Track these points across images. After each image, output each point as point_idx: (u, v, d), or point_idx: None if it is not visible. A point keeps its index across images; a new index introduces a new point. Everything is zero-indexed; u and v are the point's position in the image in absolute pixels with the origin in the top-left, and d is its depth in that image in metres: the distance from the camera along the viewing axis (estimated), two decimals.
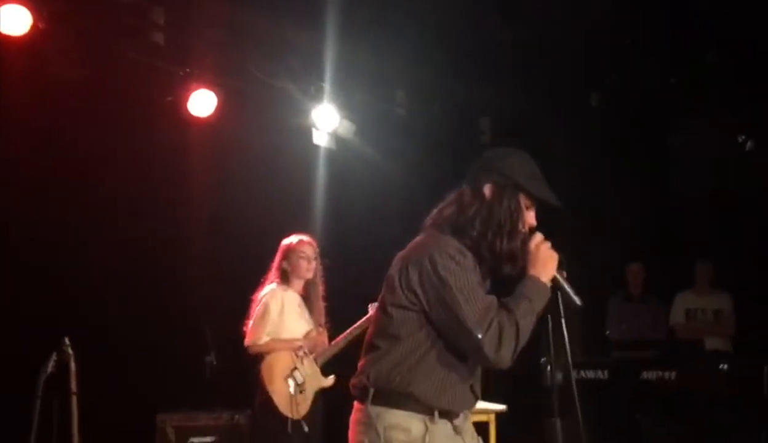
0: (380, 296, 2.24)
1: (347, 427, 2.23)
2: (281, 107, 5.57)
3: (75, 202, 4.90)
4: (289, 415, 4.20)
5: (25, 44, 4.26)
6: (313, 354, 4.41)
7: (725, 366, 5.29)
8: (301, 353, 4.35)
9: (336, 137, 5.80)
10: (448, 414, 2.18)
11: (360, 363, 2.24)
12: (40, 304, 4.60)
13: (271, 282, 4.40)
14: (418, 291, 2.12)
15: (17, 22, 4.17)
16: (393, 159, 6.18)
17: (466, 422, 2.26)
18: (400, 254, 2.23)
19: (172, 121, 5.12)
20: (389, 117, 6.10)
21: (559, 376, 5.20)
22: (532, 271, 2.16)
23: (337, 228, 5.78)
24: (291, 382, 4.26)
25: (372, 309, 4.60)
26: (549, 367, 5.30)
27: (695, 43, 5.51)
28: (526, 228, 2.22)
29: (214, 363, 4.86)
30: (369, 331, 2.27)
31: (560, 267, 2.19)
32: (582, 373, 5.45)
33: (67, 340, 3.66)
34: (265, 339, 4.30)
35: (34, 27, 4.22)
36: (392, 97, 6.10)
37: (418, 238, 2.26)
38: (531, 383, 5.13)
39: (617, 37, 5.52)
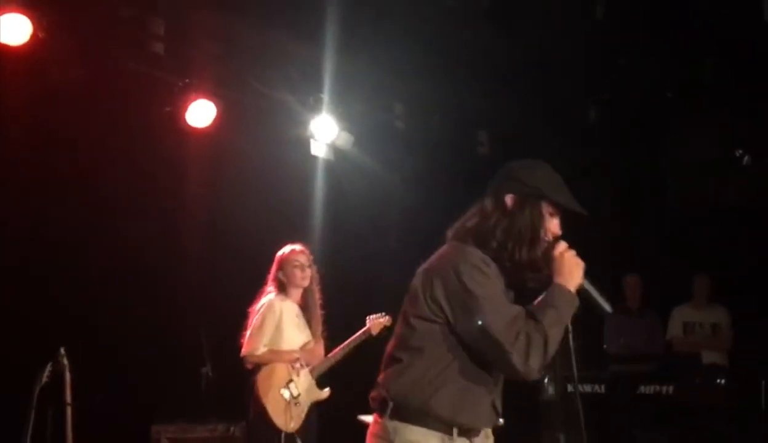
0: (402, 309, 2.22)
1: (340, 440, 2.22)
2: (280, 118, 5.58)
3: (73, 212, 4.90)
4: (283, 428, 4.18)
5: (25, 53, 4.26)
6: (310, 367, 4.40)
7: (723, 380, 5.28)
8: (297, 365, 4.33)
9: (334, 148, 5.81)
10: (467, 432, 2.14)
11: (380, 376, 2.21)
12: (36, 314, 4.59)
13: (269, 293, 4.39)
14: (443, 302, 2.09)
15: (17, 31, 4.18)
16: (391, 170, 6.20)
17: (486, 441, 2.23)
18: (424, 266, 2.21)
19: (171, 131, 5.12)
20: (388, 128, 6.12)
21: (560, 389, 5.21)
22: (558, 280, 2.13)
23: (336, 239, 5.78)
24: (286, 394, 4.25)
25: (370, 321, 4.61)
26: (546, 380, 5.29)
27: (692, 57, 5.54)
28: (550, 236, 2.20)
29: (210, 374, 4.85)
30: (390, 344, 2.23)
31: (586, 275, 2.16)
32: (579, 387, 5.42)
33: (62, 350, 3.64)
34: (262, 349, 4.29)
35: (34, 36, 4.23)
36: (391, 109, 6.12)
37: (440, 250, 2.24)
38: (528, 396, 5.12)
39: (614, 51, 5.55)
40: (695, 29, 5.15)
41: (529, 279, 2.21)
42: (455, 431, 2.11)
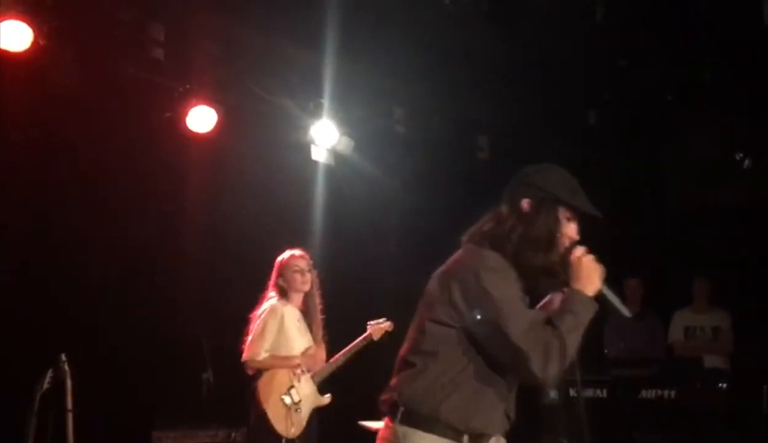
0: (416, 313, 2.19)
1: None
2: (280, 123, 5.58)
3: (74, 217, 4.91)
4: (284, 434, 4.18)
5: (26, 60, 4.28)
6: (311, 372, 4.40)
7: (724, 385, 5.27)
8: (298, 371, 4.33)
9: (335, 153, 5.81)
10: (478, 438, 2.12)
11: (393, 380, 2.18)
12: (37, 320, 4.59)
13: (270, 299, 4.39)
14: (461, 306, 2.07)
15: (18, 38, 4.19)
16: (391, 175, 6.20)
17: None
18: (440, 270, 2.19)
19: (172, 136, 5.13)
20: (388, 133, 6.12)
21: (562, 394, 5.19)
22: (576, 285, 2.10)
23: (336, 244, 5.78)
24: (287, 400, 4.24)
25: (371, 327, 4.60)
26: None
27: (692, 60, 5.54)
28: (567, 241, 2.17)
29: (211, 380, 4.84)
30: (404, 347, 2.21)
31: (605, 280, 2.14)
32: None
33: (63, 357, 3.64)
34: (263, 355, 4.29)
35: (34, 43, 4.24)
36: (391, 114, 6.12)
37: (457, 254, 2.21)
38: (529, 400, 5.10)
39: (614, 53, 5.55)
40: (695, 31, 5.15)
41: (545, 284, 2.19)
42: (466, 438, 2.09)
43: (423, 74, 5.63)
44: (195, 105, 5.08)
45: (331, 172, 5.92)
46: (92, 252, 4.97)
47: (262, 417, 4.19)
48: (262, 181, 5.64)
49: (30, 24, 4.21)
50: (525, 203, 2.17)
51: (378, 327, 4.59)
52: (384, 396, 2.18)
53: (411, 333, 2.20)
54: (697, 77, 5.67)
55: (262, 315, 4.32)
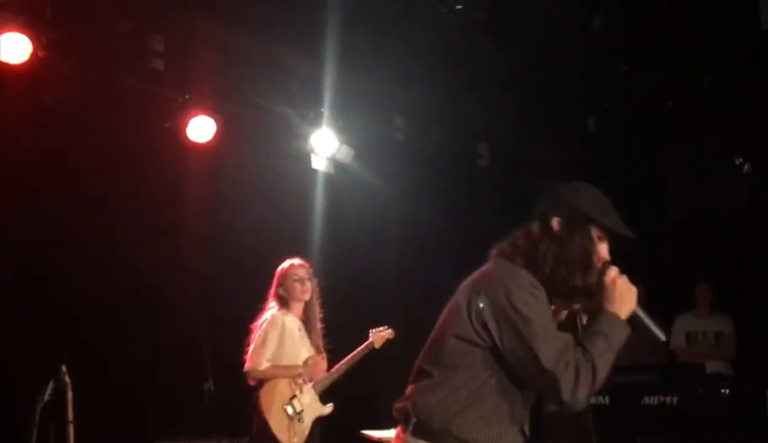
0: (440, 321, 2.15)
1: None
2: (280, 132, 5.59)
3: (73, 228, 4.90)
4: None
5: (25, 72, 4.28)
6: (312, 382, 4.39)
7: (726, 390, 5.25)
8: (300, 381, 4.32)
9: (335, 162, 5.81)
10: None
11: (408, 388, 2.15)
12: (36, 330, 4.58)
13: (271, 308, 4.38)
14: (491, 324, 2.01)
15: (17, 50, 4.20)
16: (391, 184, 6.20)
17: None
18: (468, 282, 2.13)
19: (171, 146, 5.13)
20: (388, 142, 6.13)
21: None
22: (609, 307, 2.06)
23: (336, 253, 5.77)
24: (289, 410, 4.23)
25: (372, 335, 4.60)
26: None
27: (691, 65, 5.55)
28: (600, 262, 2.13)
29: (213, 390, 4.83)
30: (422, 356, 2.17)
31: (639, 301, 2.09)
32: None
33: (64, 368, 3.63)
34: (265, 365, 4.28)
35: (33, 55, 4.25)
36: (391, 122, 6.13)
37: (486, 268, 2.16)
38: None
39: (613, 59, 5.56)
40: (693, 37, 5.16)
41: (580, 306, 2.14)
42: None
43: (422, 82, 5.64)
44: (195, 115, 5.09)
45: (331, 180, 5.92)
46: (93, 264, 4.96)
47: (265, 427, 4.18)
48: (262, 190, 5.64)
49: (29, 36, 4.22)
50: (555, 222, 2.13)
51: (379, 335, 4.59)
52: (398, 405, 2.16)
53: (431, 342, 2.16)
54: (696, 82, 5.68)
55: (263, 326, 4.32)
